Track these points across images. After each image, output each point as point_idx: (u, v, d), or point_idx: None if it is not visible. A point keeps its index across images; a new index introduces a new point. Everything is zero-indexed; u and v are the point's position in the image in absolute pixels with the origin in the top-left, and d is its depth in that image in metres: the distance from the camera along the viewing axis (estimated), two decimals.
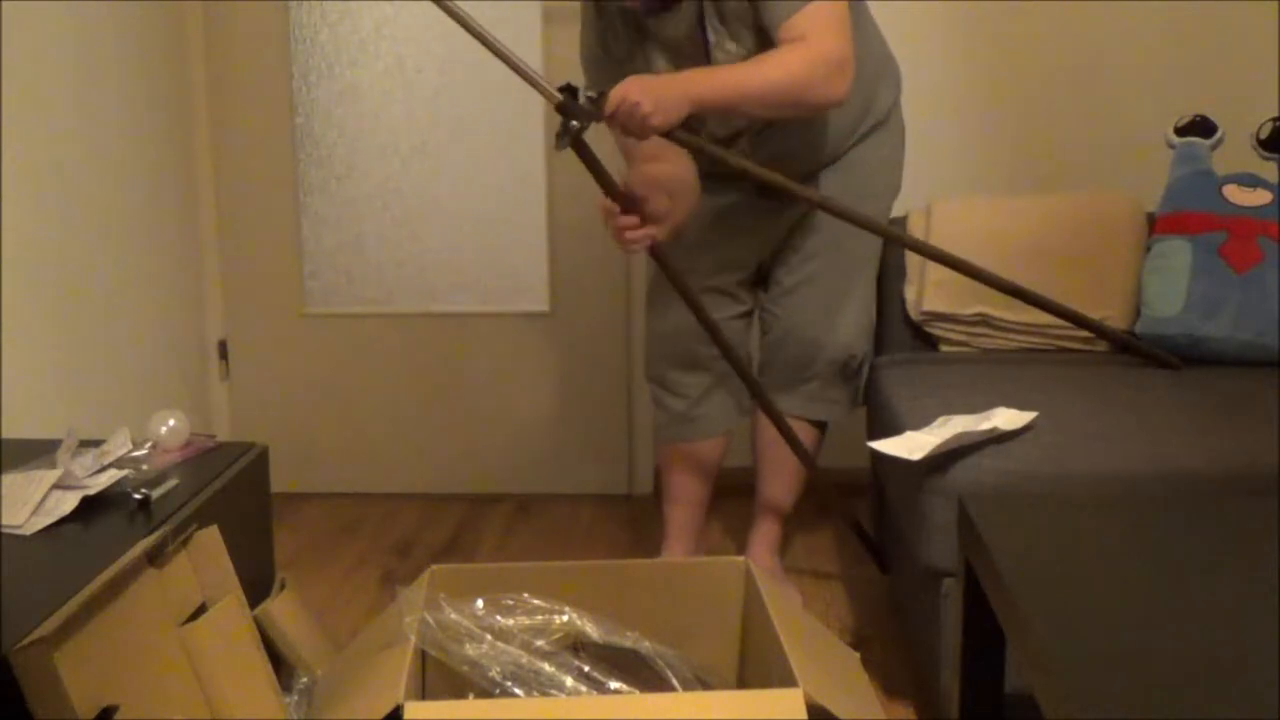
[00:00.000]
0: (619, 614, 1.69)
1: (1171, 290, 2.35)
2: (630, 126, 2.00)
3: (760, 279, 2.46)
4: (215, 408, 3.18)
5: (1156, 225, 2.46)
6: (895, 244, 2.46)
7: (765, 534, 2.53)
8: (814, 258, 2.36)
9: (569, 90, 1.99)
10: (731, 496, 2.71)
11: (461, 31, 2.96)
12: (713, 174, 2.29)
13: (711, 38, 2.14)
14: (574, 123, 1.98)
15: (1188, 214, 2.41)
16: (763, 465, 2.49)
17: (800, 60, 2.04)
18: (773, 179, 2.13)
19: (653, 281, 2.44)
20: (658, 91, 2.00)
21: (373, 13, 3.05)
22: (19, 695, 1.22)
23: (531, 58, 3.00)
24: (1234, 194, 2.40)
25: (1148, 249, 2.46)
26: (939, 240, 2.51)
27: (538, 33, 3.00)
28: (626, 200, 2.09)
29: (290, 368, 3.20)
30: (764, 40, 2.13)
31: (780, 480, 2.48)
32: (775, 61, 2.06)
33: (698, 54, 2.16)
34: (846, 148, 2.33)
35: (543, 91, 2.01)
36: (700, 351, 2.40)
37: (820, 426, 2.47)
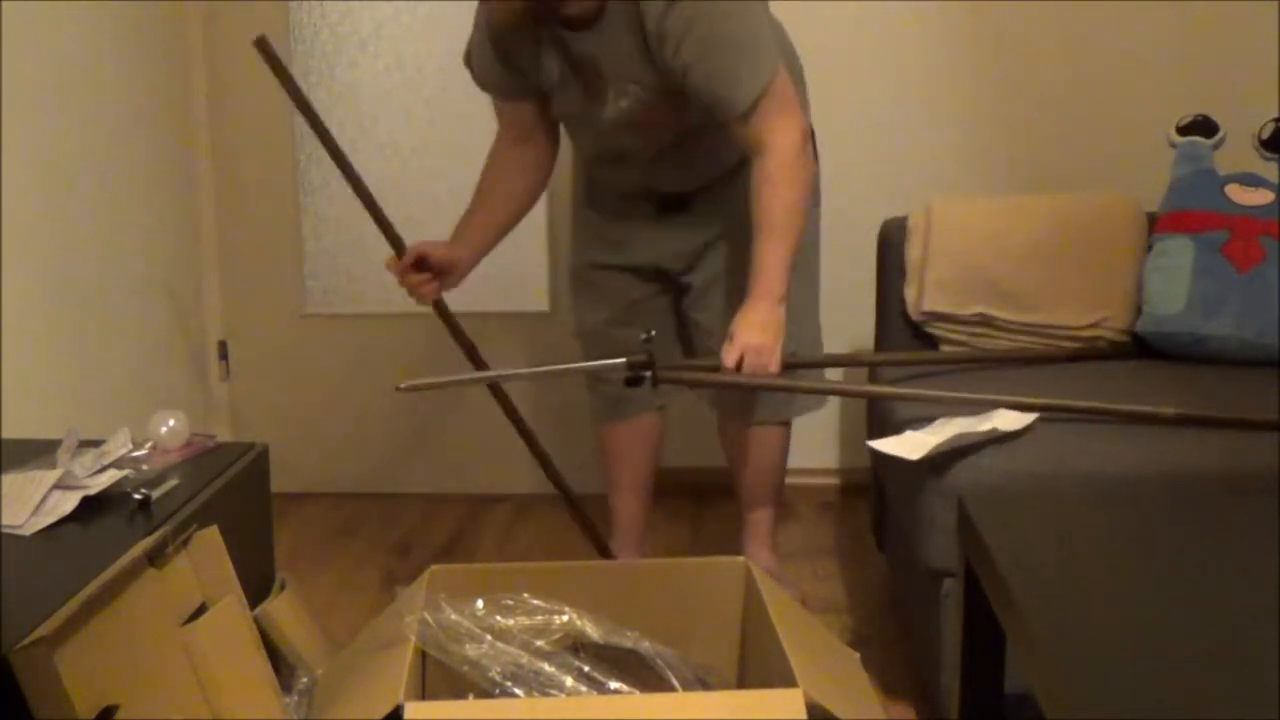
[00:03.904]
0: (619, 614, 1.69)
1: (1174, 288, 2.35)
2: (759, 370, 2.07)
3: (667, 284, 2.44)
4: (215, 408, 3.18)
5: (1159, 223, 2.46)
6: None
7: (756, 533, 2.53)
8: (714, 261, 2.35)
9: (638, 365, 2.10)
10: (728, 496, 2.71)
11: (461, 31, 2.96)
12: (625, 192, 2.35)
13: (611, 76, 2.12)
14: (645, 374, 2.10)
15: (1190, 212, 2.41)
16: (733, 465, 2.50)
17: (790, 177, 2.10)
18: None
19: (572, 275, 2.52)
20: (769, 323, 2.08)
21: (373, 13, 3.04)
22: (19, 695, 1.22)
23: None
24: (1236, 193, 2.40)
25: (1149, 247, 2.46)
26: (939, 239, 2.51)
27: None
28: (415, 258, 2.27)
29: (290, 368, 3.19)
30: (664, 90, 2.12)
31: (754, 476, 2.48)
32: (781, 199, 2.10)
33: (589, 81, 2.15)
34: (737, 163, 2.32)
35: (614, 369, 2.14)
36: (615, 334, 2.42)
37: (782, 425, 2.47)
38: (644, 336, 2.12)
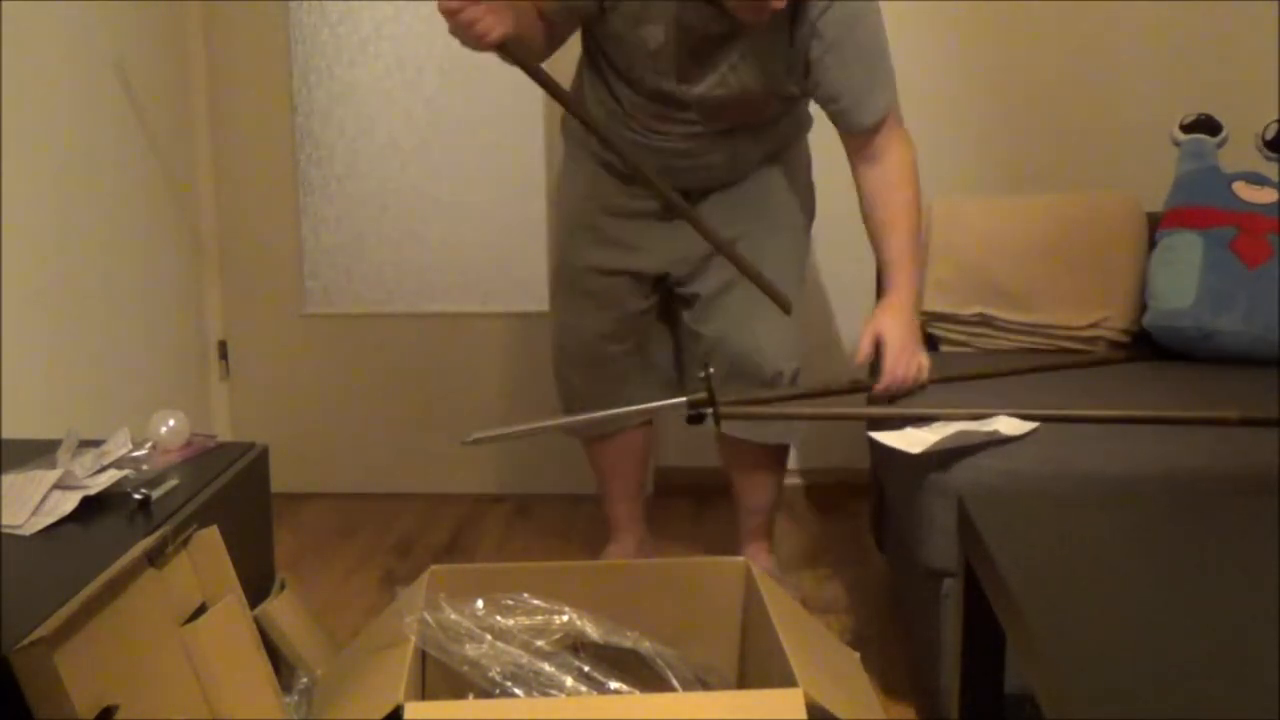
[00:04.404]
0: (619, 614, 1.69)
1: (1182, 283, 2.34)
2: (913, 380, 2.11)
3: (666, 296, 2.41)
4: (215, 408, 3.18)
5: (1165, 219, 2.46)
6: None
7: (754, 537, 2.53)
8: (726, 267, 2.29)
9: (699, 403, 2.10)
10: (728, 496, 2.71)
11: None
12: (635, 179, 2.29)
13: (733, 57, 2.10)
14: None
15: (1198, 208, 2.41)
16: (731, 471, 2.49)
17: (910, 179, 2.19)
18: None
19: (553, 279, 2.47)
20: (911, 332, 2.12)
21: (373, 13, 3.05)
22: (19, 695, 1.22)
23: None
24: (1244, 190, 2.40)
25: (1154, 243, 2.45)
26: (939, 239, 2.51)
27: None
28: None
29: (290, 368, 3.19)
30: (769, 82, 2.13)
31: (752, 491, 2.48)
32: (904, 196, 2.18)
33: (697, 54, 2.12)
34: (756, 168, 2.33)
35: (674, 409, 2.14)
36: (604, 349, 2.39)
37: (780, 448, 2.45)
38: (702, 374, 2.08)
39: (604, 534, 2.67)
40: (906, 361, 2.08)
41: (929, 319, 2.52)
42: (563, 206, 2.45)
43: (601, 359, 2.40)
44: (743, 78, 2.12)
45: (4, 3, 2.22)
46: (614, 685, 1.61)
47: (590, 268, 2.36)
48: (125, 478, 1.74)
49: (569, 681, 1.57)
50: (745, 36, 2.07)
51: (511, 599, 1.66)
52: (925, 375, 2.11)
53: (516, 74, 2.97)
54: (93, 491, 1.67)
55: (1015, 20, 2.96)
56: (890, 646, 2.24)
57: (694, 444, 2.91)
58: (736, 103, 2.16)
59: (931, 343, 2.54)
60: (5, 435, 2.08)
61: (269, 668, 1.64)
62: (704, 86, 2.13)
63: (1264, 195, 2.39)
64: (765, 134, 2.28)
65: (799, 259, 2.38)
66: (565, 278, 2.42)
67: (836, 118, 2.16)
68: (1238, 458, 1.77)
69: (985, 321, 2.48)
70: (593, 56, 2.26)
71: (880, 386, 2.10)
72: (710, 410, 2.06)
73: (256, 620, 1.69)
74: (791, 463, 2.55)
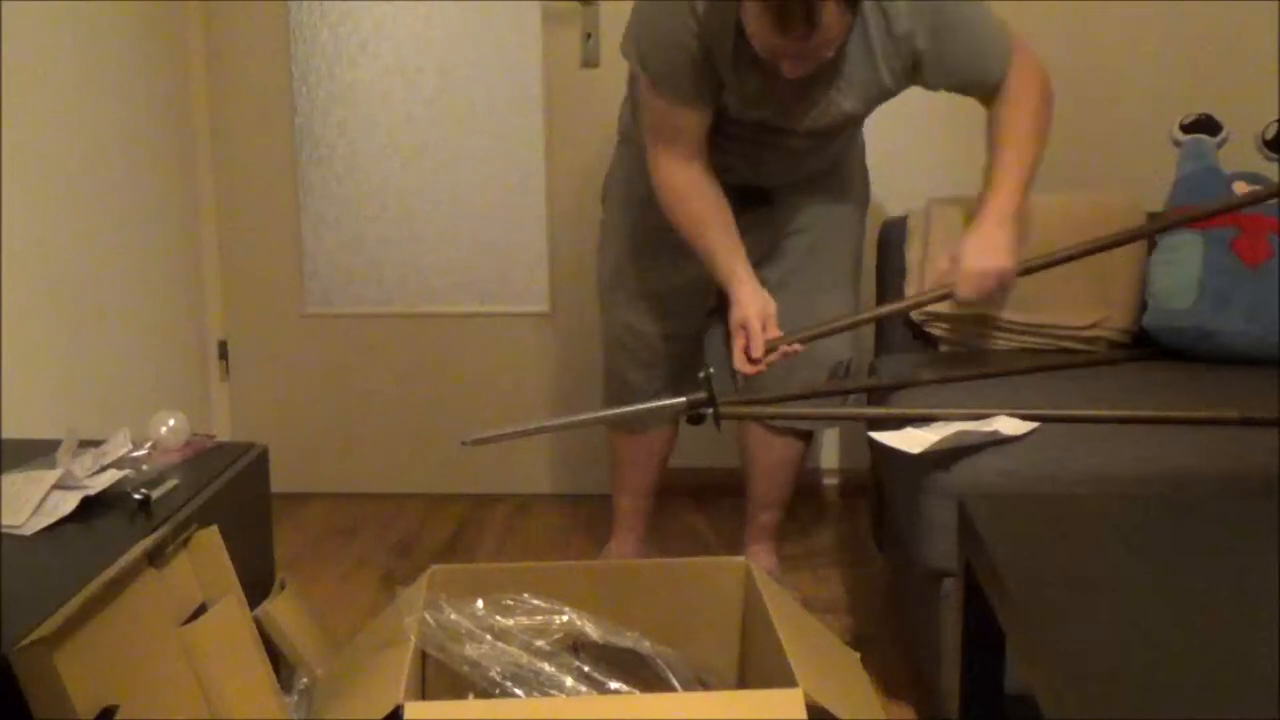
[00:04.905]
0: (619, 614, 1.69)
1: (1183, 284, 2.34)
2: (985, 295, 2.06)
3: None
4: (215, 408, 3.18)
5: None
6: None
7: (761, 535, 2.53)
8: (791, 256, 2.33)
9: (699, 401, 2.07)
10: (728, 496, 2.72)
11: (461, 31, 2.95)
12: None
13: (837, 84, 2.10)
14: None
15: (1198, 208, 2.41)
16: (751, 467, 2.49)
17: (1032, 94, 2.17)
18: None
19: (610, 277, 2.44)
20: (998, 247, 2.05)
21: (373, 13, 3.05)
22: (19, 695, 1.22)
23: (532, 58, 3.02)
24: (1243, 191, 2.40)
25: (1153, 244, 2.45)
26: (939, 239, 2.51)
27: (538, 33, 3.00)
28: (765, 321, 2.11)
29: (290, 368, 3.19)
30: (871, 94, 2.14)
31: (770, 481, 2.48)
32: (1022, 111, 2.15)
33: (800, 96, 2.11)
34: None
35: (675, 409, 2.11)
36: (657, 349, 2.40)
37: (805, 437, 2.46)
38: (703, 374, 2.06)
39: (604, 534, 2.67)
40: (978, 280, 2.05)
41: (929, 318, 2.51)
42: (624, 213, 2.40)
43: (662, 358, 2.41)
44: (847, 99, 2.13)
45: (4, 2, 2.22)
46: (614, 685, 1.61)
47: (656, 273, 2.36)
48: (125, 478, 1.74)
49: (569, 681, 1.57)
50: (837, 65, 2.07)
51: (511, 599, 1.67)
52: (1006, 288, 2.07)
53: (516, 74, 3.00)
54: (93, 491, 1.67)
55: (1015, 20, 2.93)
56: (890, 646, 2.24)
57: (694, 444, 2.91)
58: (847, 119, 2.18)
59: (931, 342, 2.54)
60: (5, 435, 2.08)
61: (269, 668, 1.64)
62: (810, 119, 2.15)
63: None
64: (844, 134, 2.30)
65: (859, 242, 2.42)
66: (625, 280, 2.40)
67: (961, 92, 2.16)
68: (1238, 458, 1.77)
69: (985, 321, 2.48)
70: None
71: (959, 298, 2.08)
72: (710, 410, 2.06)
73: (256, 620, 1.69)
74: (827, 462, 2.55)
